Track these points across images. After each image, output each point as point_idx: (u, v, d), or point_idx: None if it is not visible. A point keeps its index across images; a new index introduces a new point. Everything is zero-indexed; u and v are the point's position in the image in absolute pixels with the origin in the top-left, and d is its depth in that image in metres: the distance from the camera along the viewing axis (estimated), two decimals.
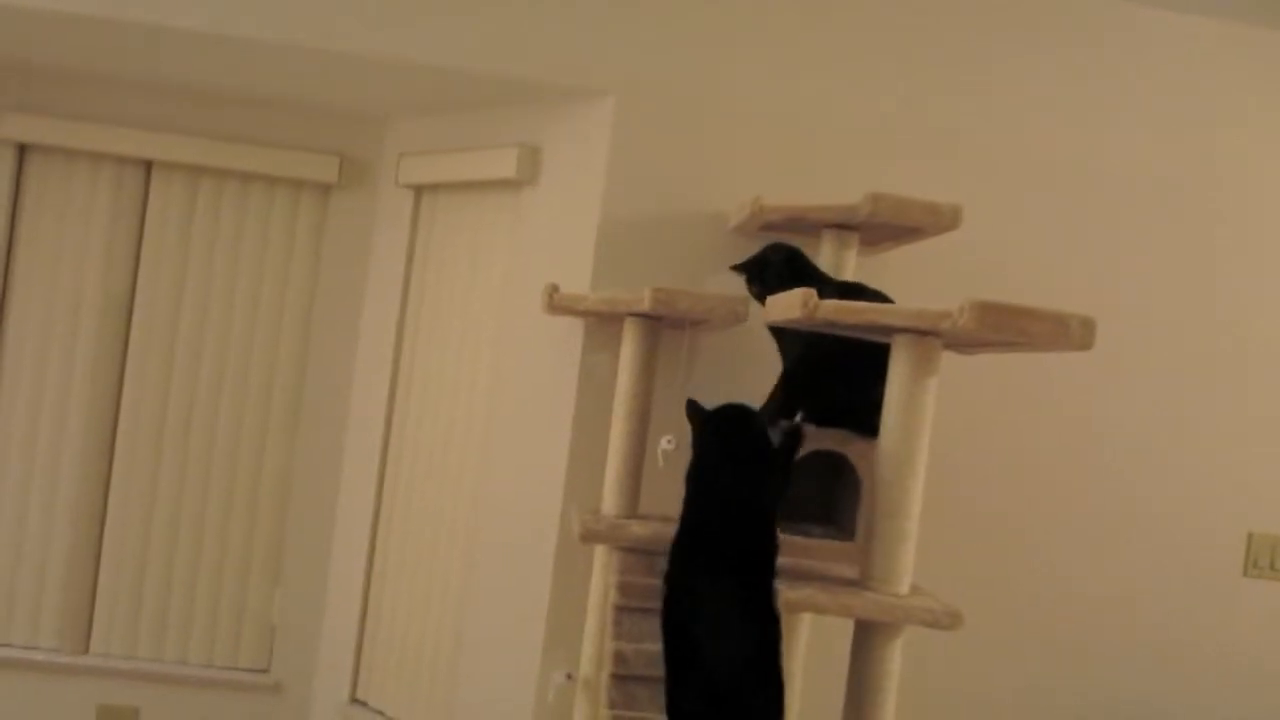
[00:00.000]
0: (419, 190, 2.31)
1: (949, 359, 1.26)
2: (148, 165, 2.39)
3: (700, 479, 1.30)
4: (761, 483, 1.27)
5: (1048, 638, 1.95)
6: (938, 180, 1.83)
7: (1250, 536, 1.96)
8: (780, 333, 1.54)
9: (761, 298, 1.56)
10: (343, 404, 2.43)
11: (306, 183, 2.41)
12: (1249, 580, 1.96)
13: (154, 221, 2.40)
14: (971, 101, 1.90)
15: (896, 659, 1.24)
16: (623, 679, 1.41)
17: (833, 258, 1.67)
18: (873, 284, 1.49)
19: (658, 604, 1.45)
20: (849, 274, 1.67)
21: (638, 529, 1.54)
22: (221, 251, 2.43)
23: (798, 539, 1.43)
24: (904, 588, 1.21)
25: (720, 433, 1.31)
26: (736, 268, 1.64)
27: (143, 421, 2.42)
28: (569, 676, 1.77)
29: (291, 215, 2.44)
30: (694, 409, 1.36)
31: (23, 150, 2.36)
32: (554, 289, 1.73)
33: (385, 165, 2.38)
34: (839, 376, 1.43)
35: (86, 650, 2.43)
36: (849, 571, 1.33)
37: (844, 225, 1.66)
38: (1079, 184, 1.93)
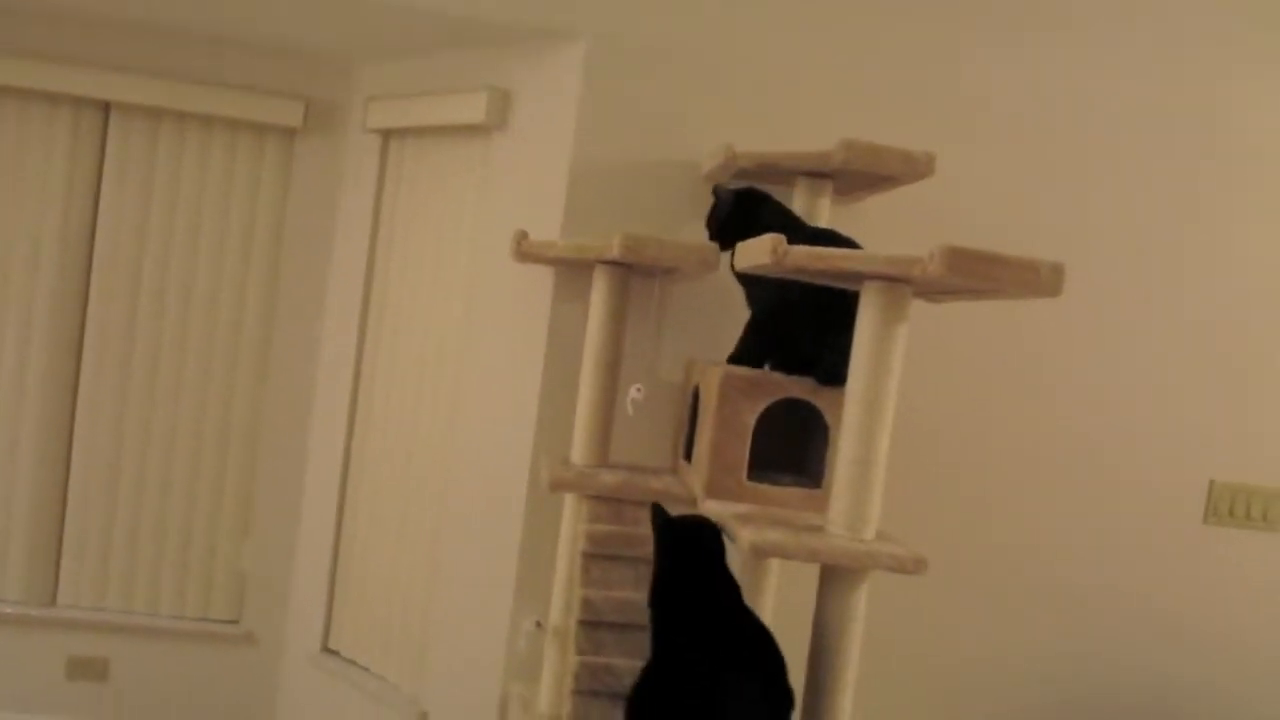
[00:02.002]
0: (387, 135, 2.26)
1: (915, 308, 1.25)
2: (106, 106, 2.33)
3: (665, 603, 1.27)
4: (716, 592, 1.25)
5: (1011, 583, 1.98)
6: (915, 129, 1.81)
7: (1212, 484, 2.00)
8: (747, 280, 1.53)
9: (716, 242, 1.55)
10: (312, 352, 2.41)
11: (271, 127, 2.35)
12: (1208, 527, 2.00)
13: (113, 165, 2.34)
14: (947, 47, 1.88)
15: (861, 604, 1.24)
16: (591, 625, 1.42)
17: (806, 206, 1.65)
18: (848, 234, 1.48)
19: (626, 551, 1.46)
20: (823, 223, 1.66)
21: (607, 477, 1.54)
22: (185, 197, 2.37)
23: (766, 487, 1.43)
24: (870, 533, 1.22)
25: (676, 553, 1.28)
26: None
27: (106, 371, 2.38)
28: (538, 624, 1.78)
29: (256, 160, 2.38)
30: (657, 515, 1.32)
31: None
32: (522, 235, 1.70)
33: (352, 109, 2.33)
34: (807, 324, 1.42)
35: (54, 602, 2.42)
36: (818, 519, 1.33)
37: (817, 173, 1.64)
38: (1054, 131, 1.92)
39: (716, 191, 1.60)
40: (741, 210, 1.52)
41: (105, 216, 2.35)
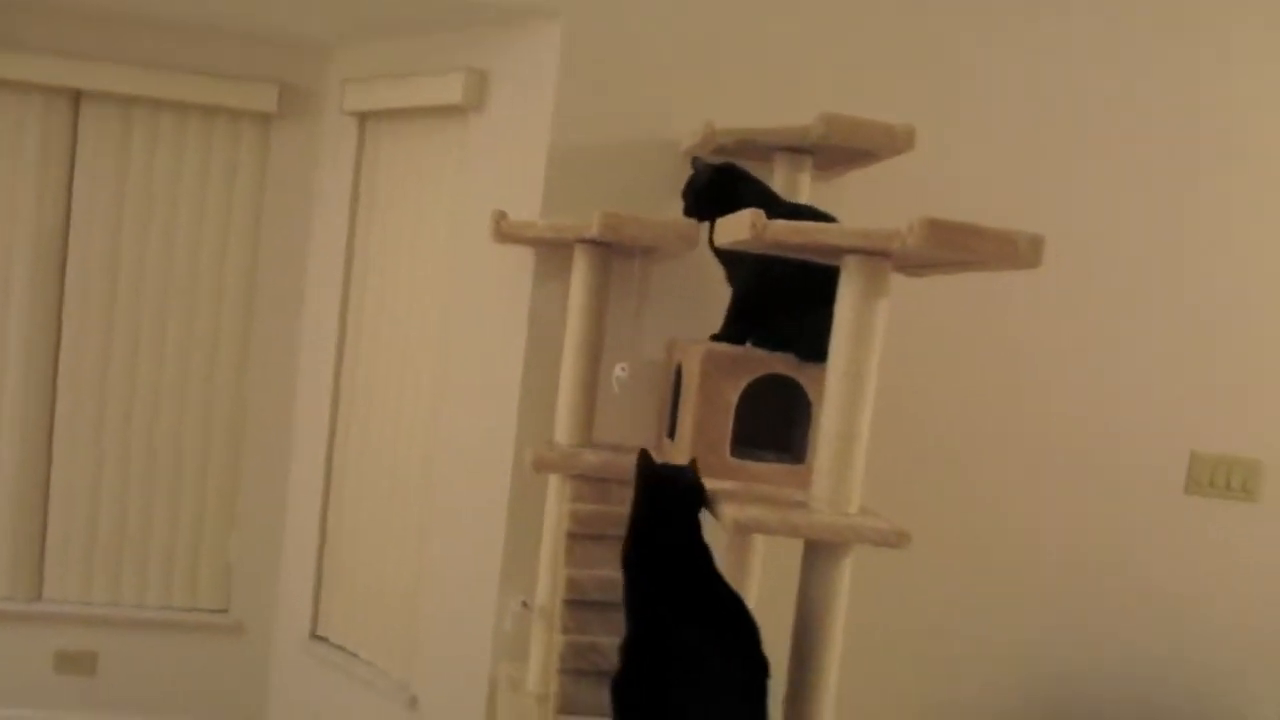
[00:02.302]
0: (364, 118, 2.24)
1: (896, 283, 1.25)
2: (76, 95, 2.29)
3: (639, 561, 1.27)
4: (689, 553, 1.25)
5: (993, 556, 1.99)
6: (895, 103, 1.80)
7: (1193, 456, 2.01)
8: (726, 256, 1.52)
9: (692, 214, 1.55)
10: (293, 339, 2.39)
11: (246, 112, 2.32)
12: (1189, 498, 2.02)
13: (86, 155, 2.31)
14: (929, 20, 1.87)
15: (845, 580, 1.25)
16: (576, 604, 1.42)
17: (786, 182, 1.64)
18: (828, 209, 1.47)
19: (611, 530, 1.46)
20: (803, 199, 1.65)
21: (590, 457, 1.53)
22: (160, 185, 2.34)
23: (749, 464, 1.43)
24: (853, 508, 1.22)
25: (652, 498, 1.28)
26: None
27: (85, 361, 2.36)
28: (524, 604, 1.79)
29: (232, 146, 2.35)
30: (642, 459, 1.32)
31: None
32: (501, 216, 1.69)
33: (328, 93, 2.30)
34: (787, 301, 1.41)
35: (40, 597, 2.40)
36: (801, 495, 1.33)
37: (797, 148, 1.63)
38: (1035, 105, 1.91)
39: (695, 163, 1.59)
40: (717, 185, 1.51)
41: (79, 206, 2.32)
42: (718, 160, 1.58)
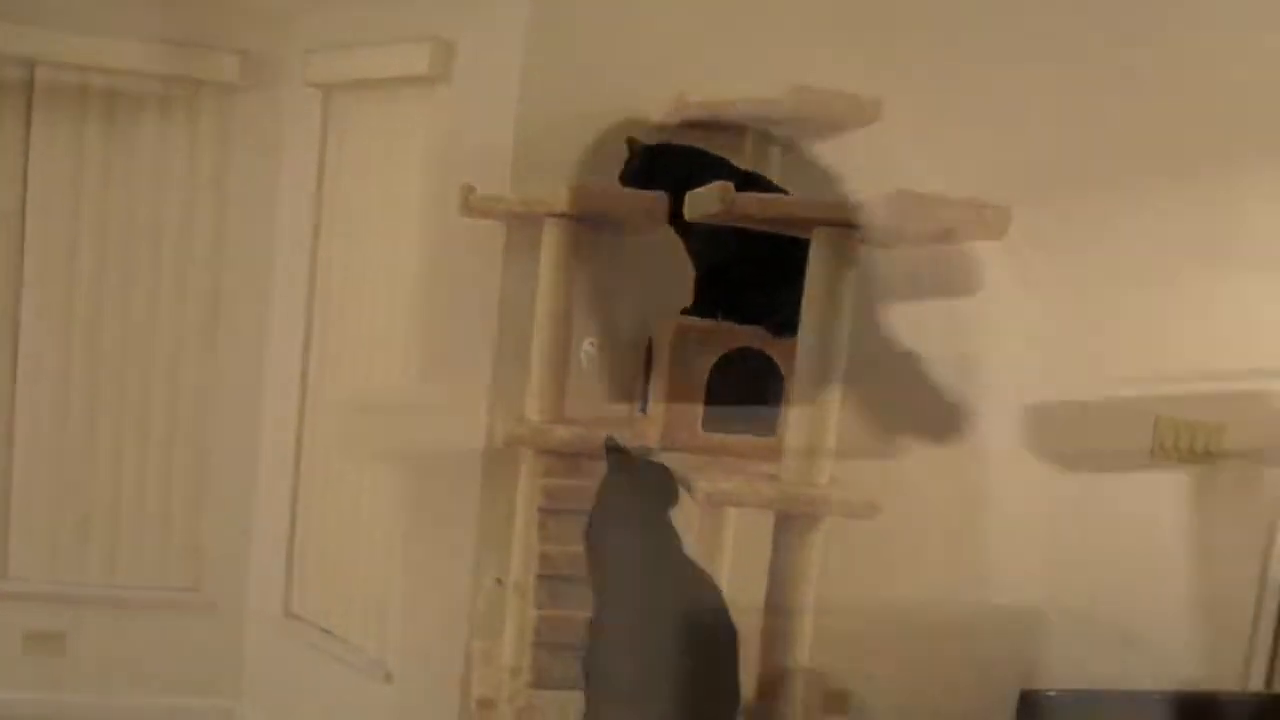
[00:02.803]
0: (328, 89, 2.20)
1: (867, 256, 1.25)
2: (30, 65, 2.22)
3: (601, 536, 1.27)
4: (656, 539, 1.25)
5: (963, 522, 2.02)
6: (864, 76, 1.79)
7: (1157, 420, 2.04)
8: (685, 230, 1.51)
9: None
10: (262, 314, 2.35)
11: (206, 83, 2.27)
12: (1155, 461, 2.05)
13: (41, 128, 2.24)
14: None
15: (816, 551, 1.26)
16: (549, 579, 1.43)
17: (756, 154, 1.64)
18: (805, 183, 1.47)
19: (583, 505, 1.46)
20: (774, 171, 1.64)
21: (561, 432, 1.53)
22: (120, 157, 2.29)
23: (721, 437, 1.44)
24: (823, 479, 1.23)
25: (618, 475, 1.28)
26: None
27: (49, 338, 2.31)
28: (498, 581, 1.79)
29: (193, 118, 2.30)
30: (609, 441, 1.32)
31: None
32: (470, 190, 1.67)
33: (292, 63, 2.25)
34: (752, 274, 1.41)
35: (6, 575, 2.37)
36: (773, 468, 1.34)
37: (768, 120, 1.62)
38: (1003, 74, 1.91)
39: (630, 145, 1.57)
40: (658, 162, 1.51)
41: (35, 181, 2.26)
42: (652, 141, 1.57)
